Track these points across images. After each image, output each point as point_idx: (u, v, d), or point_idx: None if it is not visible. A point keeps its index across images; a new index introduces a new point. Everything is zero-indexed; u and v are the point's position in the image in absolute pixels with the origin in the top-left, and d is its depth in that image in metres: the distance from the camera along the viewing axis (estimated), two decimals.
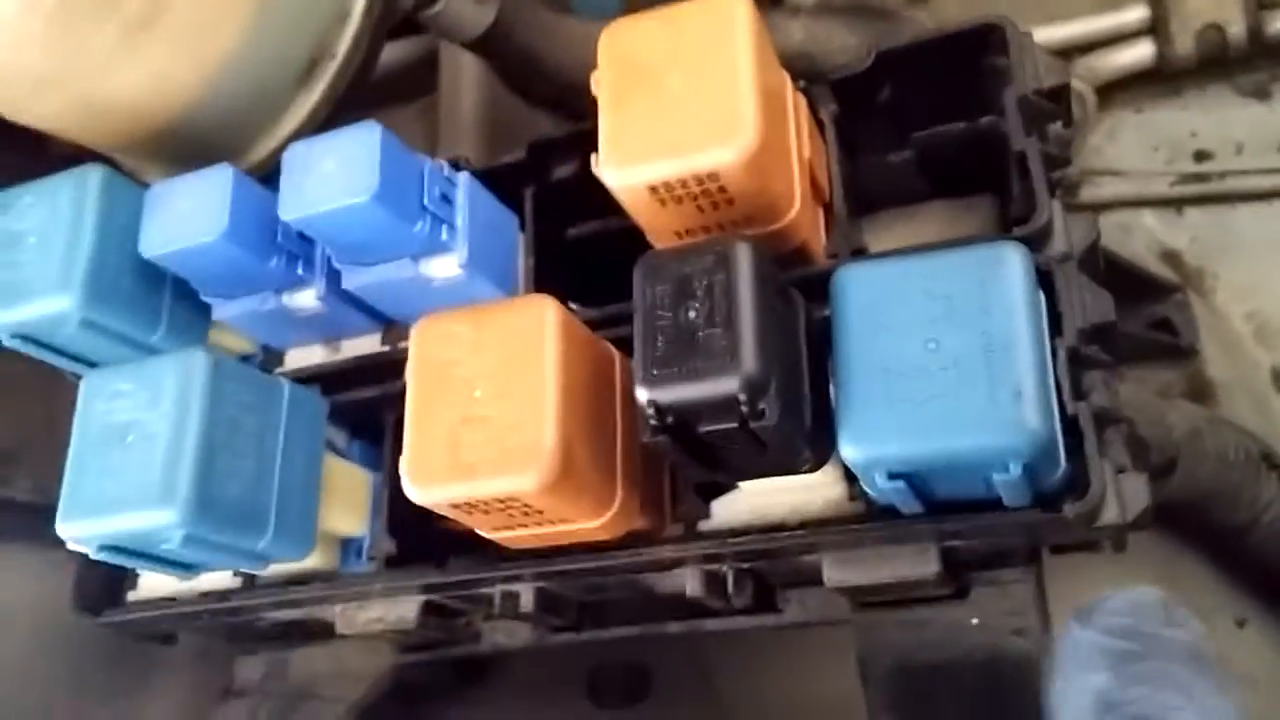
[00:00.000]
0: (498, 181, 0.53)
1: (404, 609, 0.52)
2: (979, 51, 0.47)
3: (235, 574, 0.55)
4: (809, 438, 0.41)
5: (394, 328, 0.55)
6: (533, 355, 0.41)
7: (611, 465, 0.44)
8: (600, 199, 0.43)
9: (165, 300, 0.53)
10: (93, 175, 0.50)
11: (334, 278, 0.51)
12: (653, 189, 0.41)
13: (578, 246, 0.55)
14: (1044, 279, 0.41)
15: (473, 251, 0.49)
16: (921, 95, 0.49)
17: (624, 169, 0.41)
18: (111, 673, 0.69)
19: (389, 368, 0.52)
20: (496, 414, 0.41)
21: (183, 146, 0.56)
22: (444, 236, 0.48)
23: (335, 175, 0.46)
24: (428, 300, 0.49)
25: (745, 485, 0.46)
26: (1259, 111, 0.71)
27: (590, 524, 0.44)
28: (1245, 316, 0.68)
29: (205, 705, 0.67)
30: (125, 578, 0.58)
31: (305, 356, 0.57)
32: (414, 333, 0.43)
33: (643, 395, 0.38)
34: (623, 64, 0.42)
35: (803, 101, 0.47)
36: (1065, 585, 0.46)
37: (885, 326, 0.39)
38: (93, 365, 0.51)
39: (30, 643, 0.66)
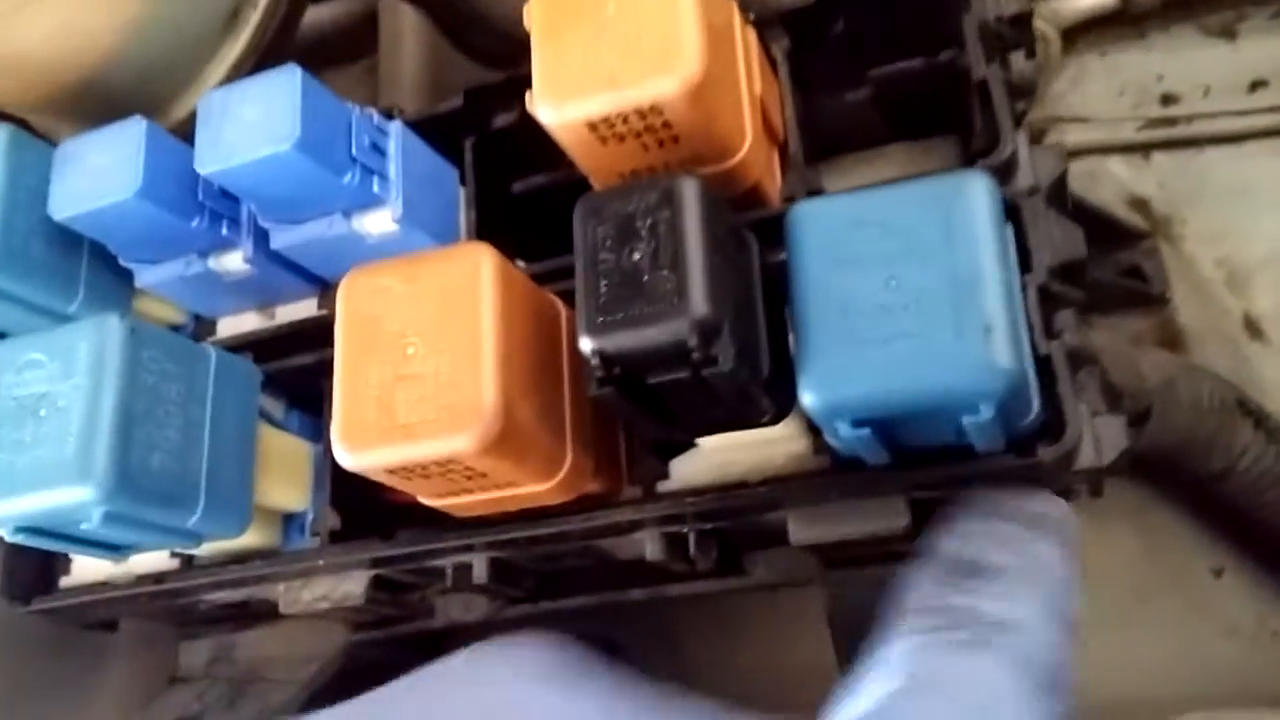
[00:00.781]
0: (435, 132, 0.50)
1: (350, 585, 0.49)
2: None
3: (172, 554, 0.52)
4: (767, 388, 0.39)
5: (330, 291, 0.52)
6: (469, 307, 0.38)
7: (559, 424, 0.41)
8: (546, 149, 0.40)
9: (82, 267, 0.50)
10: None
11: (262, 238, 0.48)
12: (592, 125, 0.39)
13: (524, 202, 0.52)
14: (1011, 214, 0.39)
15: (408, 205, 0.46)
16: (877, 28, 0.46)
17: (560, 105, 0.39)
18: (55, 663, 0.66)
19: (325, 333, 0.49)
20: (432, 371, 0.38)
21: (99, 103, 0.53)
22: (376, 189, 0.46)
23: (254, 124, 0.43)
24: (363, 258, 0.45)
25: (704, 443, 0.43)
26: (1225, 52, 0.68)
27: (539, 487, 0.41)
28: (1215, 262, 0.66)
29: (156, 692, 0.64)
30: (57, 563, 0.55)
31: (238, 324, 0.54)
32: (341, 287, 0.41)
33: (586, 344, 0.36)
34: None
35: (752, 35, 0.44)
36: None
37: (842, 263, 0.36)
38: (3, 337, 0.48)
39: None
